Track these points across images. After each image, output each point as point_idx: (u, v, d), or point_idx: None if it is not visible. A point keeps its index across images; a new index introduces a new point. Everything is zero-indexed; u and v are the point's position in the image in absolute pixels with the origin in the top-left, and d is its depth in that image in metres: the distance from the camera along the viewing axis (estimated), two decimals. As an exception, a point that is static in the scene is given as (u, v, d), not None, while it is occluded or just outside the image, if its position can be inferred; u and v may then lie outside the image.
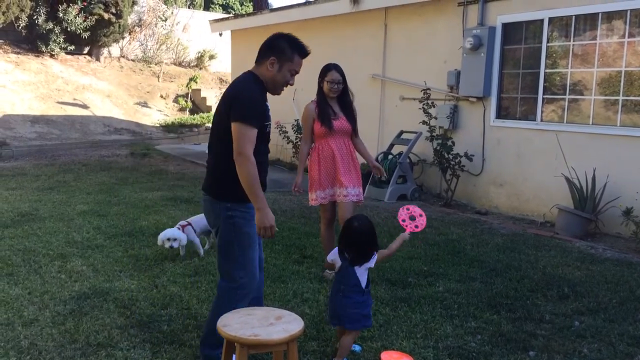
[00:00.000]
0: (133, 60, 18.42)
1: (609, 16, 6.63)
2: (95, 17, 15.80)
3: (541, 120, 7.30)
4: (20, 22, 15.10)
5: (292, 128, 10.44)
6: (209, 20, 13.89)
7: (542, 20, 7.20)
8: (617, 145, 6.55)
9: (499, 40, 7.67)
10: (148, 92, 17.21)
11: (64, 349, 3.40)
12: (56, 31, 15.52)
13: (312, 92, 11.16)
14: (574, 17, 6.91)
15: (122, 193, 8.07)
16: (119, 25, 16.56)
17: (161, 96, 17.34)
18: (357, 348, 3.47)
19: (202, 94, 17.57)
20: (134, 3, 17.48)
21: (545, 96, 7.27)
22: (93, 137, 13.56)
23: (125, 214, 6.82)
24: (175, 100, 17.35)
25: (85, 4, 15.75)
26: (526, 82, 7.51)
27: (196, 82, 17.21)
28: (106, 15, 16.00)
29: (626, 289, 4.61)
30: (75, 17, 15.45)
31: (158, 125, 15.55)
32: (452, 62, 8.21)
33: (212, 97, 17.43)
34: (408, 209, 3.57)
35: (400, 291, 4.44)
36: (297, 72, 3.15)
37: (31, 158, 11.45)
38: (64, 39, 15.81)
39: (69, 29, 15.61)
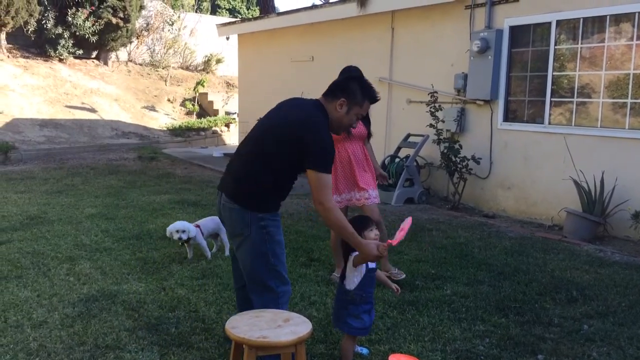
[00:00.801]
0: (141, 64, 18.52)
1: (617, 19, 6.61)
2: (104, 21, 15.91)
3: (549, 123, 7.27)
4: (29, 27, 15.22)
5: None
6: (216, 25, 13.95)
7: (549, 23, 7.18)
8: (626, 148, 6.51)
9: (506, 43, 7.66)
10: (155, 96, 17.29)
11: (73, 351, 3.42)
12: (65, 35, 15.64)
13: (318, 95, 11.11)
14: (581, 20, 6.89)
15: (130, 196, 8.11)
16: (127, 29, 16.67)
17: (168, 100, 17.42)
18: (364, 351, 3.46)
19: (209, 98, 17.63)
20: (141, 7, 17.59)
21: (553, 99, 7.25)
22: (101, 140, 13.63)
23: (133, 217, 6.85)
24: (183, 104, 17.42)
25: (93, 8, 15.86)
26: (534, 85, 7.49)
27: (203, 86, 17.28)
28: (114, 20, 16.10)
29: (635, 293, 4.58)
30: (84, 22, 15.55)
31: (165, 128, 15.61)
32: (459, 65, 8.20)
33: (219, 100, 17.48)
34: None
35: (407, 294, 4.43)
36: (363, 116, 3.19)
37: (40, 162, 11.52)
38: (72, 43, 15.92)
39: (77, 34, 15.72)
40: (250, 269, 3.03)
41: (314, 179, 2.86)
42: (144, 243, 5.72)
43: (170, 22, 18.89)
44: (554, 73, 7.21)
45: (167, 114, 16.73)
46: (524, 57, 7.58)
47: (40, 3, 15.32)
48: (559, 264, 5.34)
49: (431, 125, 8.01)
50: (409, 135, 8.65)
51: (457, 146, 7.82)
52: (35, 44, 16.08)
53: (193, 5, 24.10)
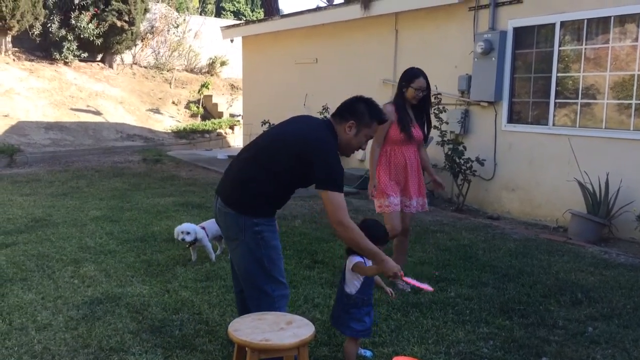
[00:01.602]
0: (145, 67, 18.57)
1: (622, 19, 6.59)
2: (108, 24, 15.97)
3: (553, 125, 7.25)
4: (34, 30, 15.28)
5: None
6: (220, 27, 13.98)
7: (553, 24, 7.17)
8: (631, 149, 6.49)
9: (510, 45, 7.64)
10: (160, 98, 17.33)
11: (77, 354, 3.43)
12: (69, 38, 15.69)
13: (322, 97, 11.16)
14: (586, 21, 6.87)
15: (135, 199, 8.13)
16: (132, 32, 16.72)
17: (173, 102, 17.46)
18: (368, 353, 3.46)
19: (214, 100, 17.66)
20: (146, 10, 17.64)
21: (557, 100, 7.23)
22: (106, 143, 13.67)
23: (137, 219, 6.86)
24: (187, 107, 17.46)
25: (97, 11, 15.92)
26: (538, 87, 7.47)
27: (208, 89, 17.31)
28: (119, 23, 16.16)
29: (641, 295, 4.56)
30: (88, 24, 15.61)
31: (170, 131, 15.65)
32: (463, 66, 8.19)
33: (224, 103, 17.51)
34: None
35: (411, 296, 4.43)
36: (372, 138, 3.20)
37: (45, 164, 11.57)
38: (77, 46, 15.98)
39: (82, 36, 15.77)
40: (246, 273, 3.05)
41: (328, 199, 2.88)
42: (148, 245, 5.73)
43: (175, 25, 18.93)
44: (558, 74, 7.19)
45: (172, 117, 16.77)
46: (528, 59, 7.57)
47: (45, 6, 15.38)
48: (564, 265, 5.32)
49: (435, 127, 7.98)
50: (413, 137, 8.63)
51: (461, 148, 7.80)
52: (40, 47, 16.14)
53: (197, 8, 24.17)
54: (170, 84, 18.18)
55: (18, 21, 14.70)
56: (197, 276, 4.85)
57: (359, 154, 9.93)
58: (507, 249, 5.87)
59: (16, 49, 15.81)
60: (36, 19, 15.13)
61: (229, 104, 17.37)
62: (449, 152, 7.85)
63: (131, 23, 16.50)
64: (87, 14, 15.68)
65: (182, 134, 15.50)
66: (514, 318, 4.05)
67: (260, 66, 12.74)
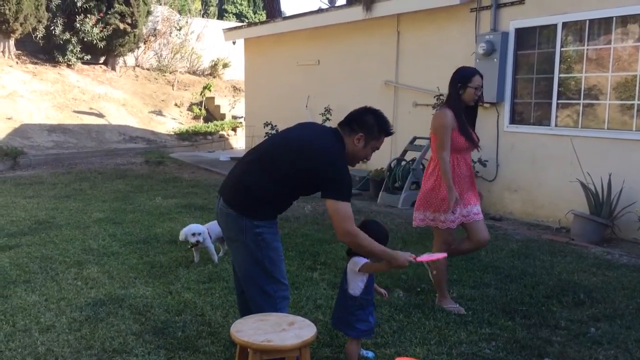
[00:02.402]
0: (148, 69, 18.62)
1: (624, 20, 6.59)
2: (112, 27, 16.02)
3: (556, 126, 7.25)
4: (37, 33, 15.34)
5: (306, 135, 10.45)
6: (223, 29, 14.00)
7: (555, 25, 7.16)
8: (633, 150, 6.48)
9: (512, 46, 7.64)
10: (163, 100, 17.37)
11: (80, 355, 3.44)
12: (73, 41, 15.74)
13: (324, 99, 11.16)
14: (587, 22, 6.87)
15: (137, 201, 8.15)
16: (134, 35, 16.76)
17: (175, 104, 17.50)
18: (370, 354, 3.46)
19: (216, 102, 17.69)
20: (149, 13, 17.69)
21: (559, 101, 7.22)
22: (109, 145, 13.71)
23: (140, 221, 6.88)
24: (190, 109, 17.49)
25: (101, 15, 15.98)
26: (540, 87, 7.47)
27: (210, 90, 17.34)
28: (122, 26, 16.21)
29: (643, 295, 4.55)
30: (92, 28, 15.66)
31: (173, 133, 15.68)
32: (465, 67, 8.18)
33: (226, 104, 17.53)
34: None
35: (414, 297, 4.43)
36: (378, 149, 3.24)
37: (48, 166, 11.61)
38: (80, 49, 16.03)
39: (85, 39, 15.83)
40: (247, 275, 3.06)
41: (335, 209, 2.89)
42: (151, 247, 5.75)
43: (178, 27, 18.97)
44: (560, 75, 7.19)
45: (174, 119, 16.80)
46: (530, 60, 7.56)
47: (48, 9, 15.44)
48: (566, 266, 5.32)
49: (437, 128, 7.99)
50: (415, 139, 8.65)
51: (463, 149, 7.79)
52: (43, 50, 16.20)
53: (200, 10, 24.21)
54: (172, 86, 18.22)
55: (21, 24, 14.76)
56: (199, 278, 4.86)
57: (361, 156, 9.93)
58: (509, 249, 5.87)
59: (19, 51, 15.87)
60: (39, 22, 15.18)
61: (232, 106, 17.40)
62: (451, 153, 7.84)
63: (134, 25, 16.55)
64: (92, 18, 15.73)
65: (184, 136, 15.53)
66: (517, 319, 4.05)
67: (262, 68, 12.76)
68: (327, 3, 17.39)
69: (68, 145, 13.14)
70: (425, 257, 3.23)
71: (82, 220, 6.88)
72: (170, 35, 18.94)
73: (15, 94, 14.03)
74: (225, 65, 19.95)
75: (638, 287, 4.75)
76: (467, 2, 8.08)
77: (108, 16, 16.04)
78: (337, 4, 14.44)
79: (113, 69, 17.55)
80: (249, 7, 28.75)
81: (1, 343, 3.58)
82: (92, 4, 15.84)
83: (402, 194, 8.13)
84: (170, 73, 18.73)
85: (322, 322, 3.88)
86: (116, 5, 16.11)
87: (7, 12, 14.29)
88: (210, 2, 26.88)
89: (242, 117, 15.97)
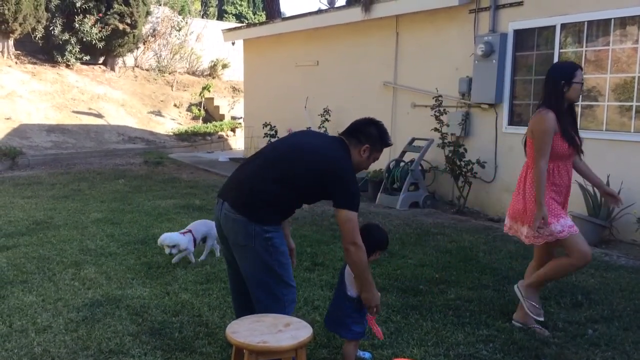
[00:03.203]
0: (147, 70, 18.61)
1: (622, 22, 6.59)
2: (111, 27, 16.01)
3: (554, 127, 7.24)
4: (36, 33, 15.33)
5: (304, 136, 10.44)
6: (222, 30, 14.00)
7: (554, 27, 7.17)
8: (631, 151, 6.48)
9: (510, 47, 7.65)
10: (162, 101, 17.37)
11: (77, 356, 3.43)
12: (72, 42, 15.73)
13: (323, 100, 11.13)
14: (586, 23, 6.87)
15: (136, 201, 8.14)
16: (134, 35, 16.76)
17: (175, 105, 17.49)
18: (367, 355, 3.46)
19: (215, 103, 17.69)
20: (148, 13, 17.68)
21: (558, 102, 7.21)
22: (108, 146, 13.70)
23: (138, 221, 6.87)
24: (189, 109, 17.48)
25: (101, 15, 15.97)
26: (539, 89, 7.46)
27: (209, 91, 17.34)
28: (121, 26, 16.20)
29: (641, 297, 4.55)
30: (91, 28, 15.66)
31: (172, 133, 15.67)
32: (464, 69, 8.19)
33: (225, 105, 17.53)
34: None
35: (411, 299, 4.43)
36: (377, 160, 3.27)
37: (47, 167, 11.59)
38: (79, 49, 16.02)
39: (84, 40, 15.82)
40: (256, 280, 3.04)
41: (348, 219, 2.92)
42: (148, 248, 5.74)
43: (177, 28, 18.97)
44: (559, 76, 7.18)
45: (174, 119, 16.79)
46: (529, 61, 7.57)
47: (47, 9, 15.43)
48: (564, 268, 5.30)
49: (436, 129, 8.00)
50: (413, 140, 8.65)
51: (461, 150, 7.81)
52: (42, 50, 16.19)
53: (199, 11, 24.21)
54: (172, 86, 18.22)
55: (20, 24, 14.75)
56: (197, 278, 4.86)
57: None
58: (507, 251, 5.86)
59: (19, 52, 15.86)
60: (38, 22, 15.18)
61: (231, 107, 17.40)
62: (450, 155, 7.85)
63: (133, 26, 16.54)
64: (91, 18, 15.73)
65: (183, 137, 15.53)
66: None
67: (261, 69, 12.76)
68: (327, 4, 17.40)
69: (67, 145, 13.13)
70: (372, 322, 3.27)
71: (80, 221, 6.87)
72: (169, 36, 18.93)
73: (14, 94, 14.02)
74: (224, 66, 19.95)
75: (636, 288, 4.75)
76: (466, 4, 8.08)
77: (107, 16, 16.03)
78: (337, 4, 14.44)
79: (112, 69, 17.54)
80: (249, 7, 28.75)
81: (-3, 343, 3.57)
82: (91, 4, 15.84)
83: (401, 195, 8.13)
84: (169, 73, 18.73)
85: (320, 323, 3.87)
86: (115, 5, 16.10)
87: (6, 12, 14.28)
88: (210, 2, 26.87)
89: (241, 117, 15.97)
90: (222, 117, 17.30)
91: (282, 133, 10.87)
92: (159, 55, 18.90)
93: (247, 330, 2.24)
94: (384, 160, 8.99)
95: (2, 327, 3.81)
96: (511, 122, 7.77)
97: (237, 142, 16.11)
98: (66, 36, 15.61)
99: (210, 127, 16.18)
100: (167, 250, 5.03)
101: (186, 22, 19.28)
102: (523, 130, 7.52)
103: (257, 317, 2.42)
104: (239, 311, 3.30)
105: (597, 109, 6.88)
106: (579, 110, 7.01)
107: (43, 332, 3.75)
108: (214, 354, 3.48)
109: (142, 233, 6.33)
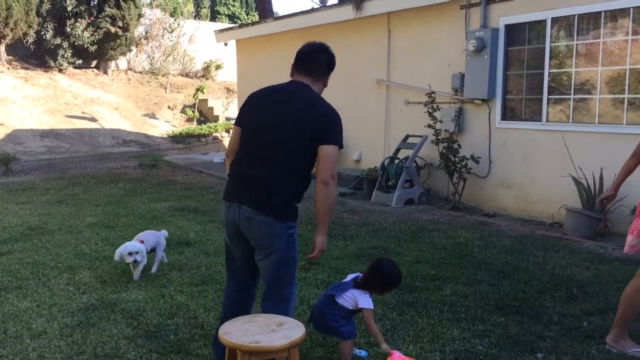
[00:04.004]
0: (140, 73, 18.58)
1: (613, 14, 6.60)
2: (103, 31, 15.98)
3: (547, 121, 7.26)
4: (28, 38, 15.30)
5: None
6: (214, 31, 13.99)
7: (545, 21, 7.18)
8: (624, 143, 6.47)
9: (502, 42, 7.65)
10: (155, 103, 17.33)
11: (72, 361, 3.42)
12: (64, 46, 15.71)
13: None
14: (576, 17, 6.88)
15: (131, 204, 8.12)
16: (126, 38, 16.73)
17: (169, 107, 17.46)
18: (363, 353, 3.46)
19: (209, 104, 17.67)
20: (140, 16, 17.65)
21: (550, 96, 7.24)
22: (102, 149, 13.67)
23: (133, 225, 6.86)
24: (183, 111, 17.46)
25: (92, 19, 15.93)
26: (531, 83, 7.48)
27: (203, 92, 17.32)
28: (113, 29, 16.17)
29: (636, 289, 4.55)
30: (83, 32, 15.62)
31: (166, 136, 15.65)
32: (456, 65, 8.20)
33: (219, 106, 17.52)
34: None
35: (407, 295, 4.43)
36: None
37: (41, 172, 11.56)
38: (71, 53, 15.99)
39: (76, 44, 15.79)
40: (276, 278, 2.99)
41: (331, 155, 2.88)
42: (143, 251, 5.71)
43: (170, 30, 18.95)
44: (551, 70, 7.20)
45: (168, 121, 16.76)
46: (521, 56, 7.58)
47: (38, 14, 15.40)
48: (559, 261, 5.32)
49: (429, 126, 8.01)
50: (407, 137, 8.65)
51: (455, 146, 7.81)
52: (34, 55, 16.16)
53: (192, 12, 24.16)
54: (165, 88, 18.19)
55: (12, 29, 14.71)
56: (192, 280, 4.85)
57: (354, 155, 9.94)
58: (502, 246, 5.87)
59: (10, 57, 15.82)
60: (30, 27, 15.14)
61: (225, 108, 17.38)
62: (444, 151, 7.85)
63: (125, 29, 16.51)
64: (83, 22, 15.69)
65: (178, 139, 15.51)
66: (509, 315, 4.05)
67: (254, 69, 12.74)
68: (319, 3, 17.39)
69: (61, 150, 13.09)
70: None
71: (75, 225, 6.85)
72: (162, 38, 18.92)
73: (6, 100, 13.98)
74: (218, 67, 19.93)
75: (631, 280, 4.75)
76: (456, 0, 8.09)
77: (99, 20, 16.00)
78: (329, 3, 14.45)
79: (105, 72, 17.51)
80: (242, 8, 28.71)
81: (-8, 350, 3.56)
82: (82, 8, 15.81)
83: (396, 192, 8.13)
84: (162, 76, 18.70)
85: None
86: (107, 8, 16.07)
87: (-3, 17, 14.25)
88: (202, 3, 26.82)
89: (234, 119, 15.94)
90: (216, 118, 17.28)
91: (276, 133, 10.85)
92: (151, 57, 18.87)
93: (239, 331, 2.24)
94: (378, 158, 9.01)
95: (-4, 334, 3.80)
96: (504, 117, 7.78)
97: (232, 143, 16.08)
98: (58, 40, 15.58)
99: (204, 128, 16.16)
100: (130, 259, 4.76)
101: (178, 24, 19.26)
102: (516, 125, 7.60)
103: (249, 317, 2.42)
104: (232, 307, 3.23)
105: (590, 102, 6.89)
106: (571, 103, 7.03)
107: (38, 338, 3.74)
108: (210, 355, 3.47)
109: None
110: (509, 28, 7.62)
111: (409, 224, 6.86)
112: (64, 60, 15.97)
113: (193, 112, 17.21)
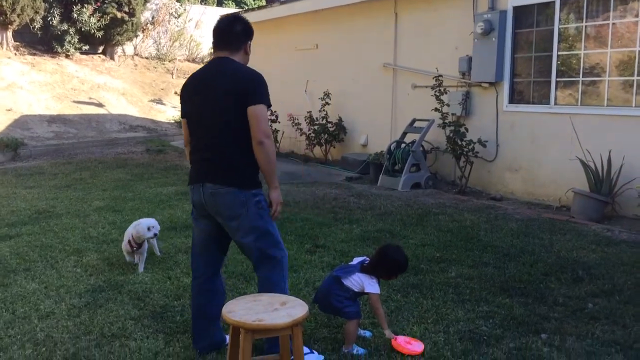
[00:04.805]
0: (147, 58, 18.56)
1: (622, -5, 6.51)
2: (109, 16, 15.95)
3: (555, 104, 7.20)
4: (35, 24, 15.30)
5: (305, 120, 10.43)
6: (220, 16, 13.91)
7: (553, 2, 7.09)
8: (633, 126, 6.43)
9: (510, 24, 7.57)
10: (162, 89, 17.33)
11: (79, 340, 3.46)
12: (71, 32, 15.70)
13: (323, 83, 11.12)
14: (586, -2, 6.79)
15: (138, 189, 8.15)
16: (132, 23, 16.69)
17: (175, 93, 17.45)
18: (367, 334, 3.48)
19: (216, 89, 17.64)
20: (146, 1, 17.60)
21: (558, 79, 7.17)
22: (109, 135, 13.71)
23: (140, 209, 6.89)
24: (190, 97, 17.45)
25: (99, 4, 15.90)
26: (539, 66, 7.41)
27: (210, 78, 17.27)
28: (119, 14, 16.13)
29: (642, 271, 4.54)
30: (90, 17, 15.60)
31: (173, 121, 15.66)
32: (464, 48, 8.12)
33: (226, 92, 17.49)
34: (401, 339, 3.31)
35: (412, 277, 4.43)
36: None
37: (49, 157, 11.62)
38: (78, 39, 15.99)
39: (83, 29, 15.78)
40: (255, 247, 3.04)
41: (259, 114, 2.91)
42: (150, 234, 5.74)
43: (176, 15, 18.88)
44: (559, 53, 7.12)
45: (175, 107, 16.76)
46: (529, 38, 7.49)
47: (45, 0, 15.38)
48: (566, 244, 5.30)
49: (436, 109, 7.96)
50: (414, 121, 8.61)
51: (462, 129, 7.77)
52: (41, 41, 16.17)
53: (198, -3, 24.05)
54: (172, 74, 18.17)
55: (18, 15, 14.71)
56: (198, 263, 4.86)
57: (361, 139, 9.91)
58: (509, 229, 5.86)
59: (17, 43, 15.84)
60: (36, 12, 15.14)
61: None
62: (451, 135, 7.82)
63: (131, 14, 16.47)
64: (89, 7, 15.67)
65: (185, 124, 15.50)
66: (514, 296, 4.05)
67: (261, 53, 12.66)
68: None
69: (68, 135, 13.14)
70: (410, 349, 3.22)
71: (82, 209, 6.90)
72: (168, 23, 18.86)
73: (14, 85, 14.02)
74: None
75: (637, 262, 4.74)
76: (464, -19, 8.00)
77: (105, 5, 15.97)
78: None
79: (112, 58, 17.51)
80: (248, -8, 28.51)
81: (1, 330, 3.60)
82: (88, -7, 15.78)
83: (402, 176, 8.11)
84: (169, 61, 18.68)
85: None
86: (113, -7, 16.04)
87: (4, 3, 14.25)
88: (208, -11, 26.65)
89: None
90: (223, 104, 17.25)
91: (282, 117, 10.85)
92: (158, 43, 18.84)
93: (243, 310, 2.25)
94: (385, 142, 8.97)
95: (5, 314, 3.84)
96: (512, 101, 7.72)
97: (239, 128, 16.08)
98: (65, 26, 15.57)
99: (211, 113, 16.14)
100: (149, 234, 4.72)
101: (185, 9, 19.19)
102: (524, 108, 7.54)
103: (253, 296, 2.43)
104: (200, 295, 3.28)
105: (598, 84, 6.82)
106: (579, 86, 6.96)
107: (46, 318, 3.78)
108: (215, 335, 3.49)
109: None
110: (517, 10, 7.53)
111: (415, 208, 6.85)
112: (70, 46, 15.97)
113: (200, 97, 17.20)
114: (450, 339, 3.40)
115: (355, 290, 3.25)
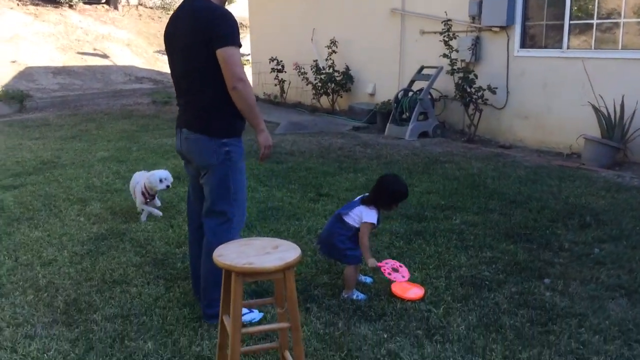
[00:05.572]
0: (151, 8, 18.21)
1: None
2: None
3: (567, 48, 6.96)
4: (36, -27, 14.99)
5: (312, 69, 10.22)
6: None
7: (569, -61, 6.75)
8: (648, 70, 6.21)
9: (523, -36, 7.25)
10: (168, 39, 17.07)
11: (80, 286, 3.47)
12: (73, -19, 15.40)
13: (330, 30, 10.82)
14: None
15: (142, 140, 8.10)
16: (135, -29, 16.32)
17: (181, 43, 17.22)
18: (368, 280, 3.45)
19: (222, 40, 17.35)
20: (148, -52, 17.15)
21: (571, 22, 6.90)
22: (114, 86, 13.59)
23: (144, 159, 6.86)
24: (196, 47, 17.21)
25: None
26: (552, 8, 7.12)
27: (215, 28, 16.97)
28: (121, -38, 15.76)
29: (652, 217, 4.45)
30: (91, -35, 15.26)
31: (179, 72, 15.49)
32: (474, -10, 7.82)
33: (233, 42, 17.19)
34: (387, 263, 3.29)
35: (416, 225, 4.38)
36: None
37: (54, 109, 11.56)
38: (81, -12, 15.69)
39: (85, -22, 15.47)
40: (214, 197, 2.96)
41: (229, 56, 2.72)
42: (154, 183, 5.71)
43: (180, -38, 18.40)
44: (574, -7, 6.83)
45: (181, 58, 16.57)
46: (542, -22, 7.18)
47: (45, -52, 15.03)
48: (574, 190, 5.21)
49: (445, 55, 7.74)
50: (422, 68, 8.39)
51: (472, 76, 7.56)
52: (44, -9, 15.89)
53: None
54: (177, 24, 17.86)
55: (18, -36, 14.40)
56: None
57: (368, 88, 9.72)
58: (517, 176, 5.76)
59: (19, -7, 15.58)
60: (37, -39, 14.80)
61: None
62: (460, 82, 7.62)
63: (134, -38, 16.07)
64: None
65: (191, 75, 15.33)
66: (519, 242, 3.99)
67: (266, 3, 12.36)
68: None
69: (74, 87, 13.04)
70: (396, 277, 3.22)
71: (87, 160, 6.87)
72: (172, -29, 18.40)
73: (17, 37, 13.85)
74: (230, 2, 19.39)
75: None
76: None
77: (107, -48, 15.58)
78: None
79: (115, 8, 17.19)
80: (254, -61, 27.69)
81: (3, 277, 3.62)
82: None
83: (410, 125, 7.97)
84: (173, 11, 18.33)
85: (321, 250, 3.86)
86: (114, -60, 15.62)
87: (3, -49, 13.92)
88: None
89: (248, 54, 15.65)
90: (229, 54, 16.99)
91: (288, 67, 10.64)
92: (162, -8, 18.44)
93: (234, 253, 2.20)
94: (392, 90, 8.78)
95: (8, 262, 3.86)
96: (523, 45, 7.47)
97: (246, 79, 15.88)
98: (66, -25, 15.26)
99: (217, 64, 15.93)
100: (162, 186, 4.68)
101: (189, -44, 18.67)
102: (536, 52, 7.30)
103: (245, 240, 2.39)
104: (195, 245, 3.21)
105: (613, 27, 6.56)
106: (593, 29, 6.70)
107: (48, 265, 3.79)
108: (215, 281, 3.49)
109: (148, 170, 6.27)
110: (530, -51, 7.20)
111: (421, 157, 6.75)
112: (73, -4, 15.70)
113: (206, 48, 16.94)
114: (451, 284, 3.37)
115: (357, 226, 3.20)
